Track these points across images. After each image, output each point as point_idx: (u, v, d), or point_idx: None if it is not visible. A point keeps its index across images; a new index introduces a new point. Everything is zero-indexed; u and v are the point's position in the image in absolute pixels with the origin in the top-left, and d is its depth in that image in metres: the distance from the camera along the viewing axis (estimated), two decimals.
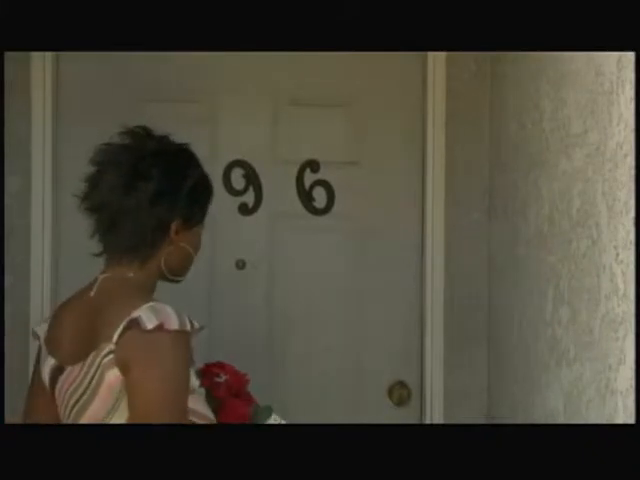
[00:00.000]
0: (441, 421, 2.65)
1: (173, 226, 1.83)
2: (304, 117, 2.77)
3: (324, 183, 2.77)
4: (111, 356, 1.69)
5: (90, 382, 1.74)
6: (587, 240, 1.68)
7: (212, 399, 1.92)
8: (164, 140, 1.90)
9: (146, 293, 1.81)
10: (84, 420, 1.77)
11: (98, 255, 1.91)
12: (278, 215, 2.78)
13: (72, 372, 1.77)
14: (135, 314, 1.68)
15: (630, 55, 1.48)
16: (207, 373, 1.95)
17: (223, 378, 2.00)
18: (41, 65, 2.63)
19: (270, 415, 2.03)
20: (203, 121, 2.74)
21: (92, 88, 2.80)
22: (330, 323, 2.79)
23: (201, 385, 1.84)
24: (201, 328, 1.74)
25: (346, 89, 2.79)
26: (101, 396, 1.73)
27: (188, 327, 1.71)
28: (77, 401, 1.78)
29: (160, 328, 1.66)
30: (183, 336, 1.70)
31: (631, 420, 1.43)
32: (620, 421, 1.49)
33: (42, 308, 2.62)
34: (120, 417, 1.74)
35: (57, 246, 2.68)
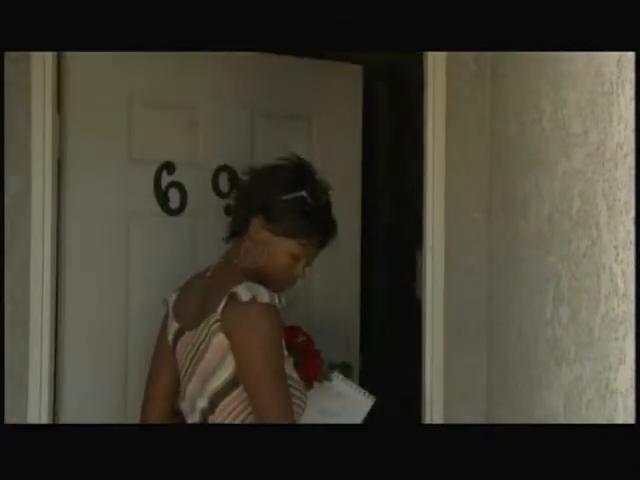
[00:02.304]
0: (441, 421, 2.65)
1: (254, 223, 2.21)
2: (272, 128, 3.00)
3: None
4: (217, 324, 2.10)
5: (201, 345, 2.14)
6: (587, 240, 1.68)
7: (293, 355, 2.25)
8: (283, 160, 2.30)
9: (244, 276, 2.16)
10: (198, 373, 2.16)
11: (227, 242, 2.33)
12: None
13: (189, 336, 2.19)
14: (233, 290, 2.09)
15: (630, 55, 1.48)
16: (286, 335, 2.22)
17: (301, 339, 2.37)
18: (41, 65, 2.62)
19: (335, 370, 2.42)
20: (195, 125, 2.88)
21: (92, 88, 2.81)
22: None
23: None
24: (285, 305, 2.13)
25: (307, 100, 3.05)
26: (208, 357, 2.13)
27: (276, 301, 2.10)
28: (192, 359, 2.18)
29: (254, 300, 2.07)
30: (272, 308, 2.09)
31: (631, 420, 1.43)
32: (620, 421, 1.49)
33: (42, 308, 2.62)
34: (225, 371, 2.11)
35: (57, 246, 2.68)
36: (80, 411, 2.74)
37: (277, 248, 2.22)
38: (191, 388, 2.21)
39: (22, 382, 2.60)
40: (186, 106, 2.90)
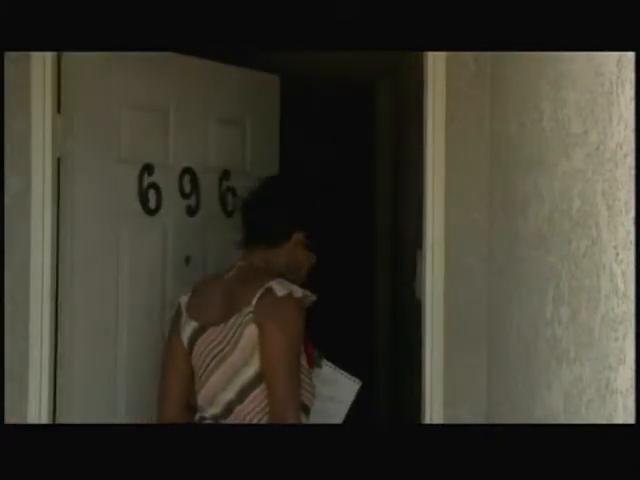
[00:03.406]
0: (441, 421, 2.65)
1: (295, 238, 2.47)
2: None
3: (232, 189, 3.21)
4: (250, 315, 2.27)
5: (232, 337, 2.29)
6: (587, 240, 1.68)
7: None
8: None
9: (272, 275, 2.37)
10: (223, 367, 2.31)
11: (238, 247, 2.50)
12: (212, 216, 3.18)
13: (213, 332, 2.33)
14: (268, 285, 2.29)
15: (630, 55, 1.48)
16: None
17: None
18: (41, 65, 2.63)
19: (322, 358, 2.55)
20: (166, 128, 3.04)
21: (92, 88, 2.81)
22: None
23: None
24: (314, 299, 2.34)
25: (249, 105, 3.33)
26: (240, 348, 2.28)
27: (309, 296, 2.33)
28: (217, 354, 2.32)
29: (290, 295, 2.29)
30: (302, 302, 2.31)
31: (631, 420, 1.43)
32: (620, 421, 1.49)
33: (42, 308, 2.63)
34: (253, 366, 2.28)
35: (57, 246, 2.68)
36: (80, 411, 2.74)
37: (305, 259, 2.51)
38: (214, 381, 2.33)
39: (22, 382, 2.60)
40: (160, 110, 3.01)
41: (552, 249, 1.93)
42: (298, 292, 2.31)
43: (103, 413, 2.82)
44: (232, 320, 2.30)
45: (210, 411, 2.35)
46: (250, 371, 2.29)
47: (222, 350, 2.31)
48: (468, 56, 2.66)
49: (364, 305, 5.28)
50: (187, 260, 3.09)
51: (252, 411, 2.30)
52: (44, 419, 2.60)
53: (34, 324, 2.62)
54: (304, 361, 2.37)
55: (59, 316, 2.69)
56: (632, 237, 1.44)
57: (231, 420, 2.31)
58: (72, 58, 2.70)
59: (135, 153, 2.94)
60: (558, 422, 1.84)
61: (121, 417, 2.86)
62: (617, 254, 1.51)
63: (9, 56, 2.35)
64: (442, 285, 2.68)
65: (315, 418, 2.42)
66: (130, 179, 2.92)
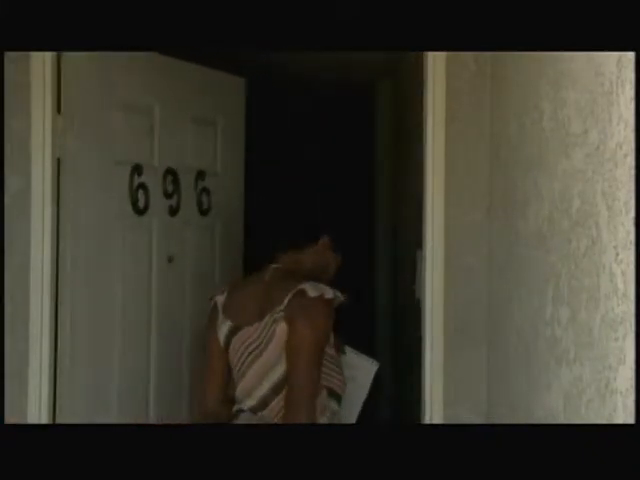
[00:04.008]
0: (441, 421, 2.65)
1: (322, 241, 2.62)
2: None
3: (206, 189, 3.32)
4: (281, 313, 2.43)
5: (265, 335, 2.45)
6: (587, 240, 1.68)
7: None
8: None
9: (305, 277, 2.52)
10: (259, 363, 2.46)
11: (273, 254, 2.63)
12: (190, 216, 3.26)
13: (248, 331, 2.49)
14: (301, 287, 2.44)
15: (630, 55, 1.48)
16: None
17: None
18: (41, 65, 2.63)
19: (344, 345, 2.67)
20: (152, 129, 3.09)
21: (92, 88, 2.82)
22: None
23: None
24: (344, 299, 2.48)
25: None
26: (273, 346, 2.44)
27: (338, 297, 2.47)
28: (252, 351, 2.48)
29: (321, 297, 2.43)
30: (332, 303, 2.46)
31: (631, 420, 1.43)
32: (620, 421, 1.49)
33: (42, 308, 2.63)
34: (284, 364, 2.42)
35: (57, 246, 2.68)
36: (80, 411, 2.75)
37: (332, 260, 2.65)
38: (250, 376, 2.49)
39: (22, 382, 2.60)
40: (147, 110, 3.05)
41: (552, 249, 1.93)
42: (329, 293, 2.45)
43: (103, 413, 2.82)
44: (265, 319, 2.46)
45: (248, 403, 2.49)
46: (282, 368, 2.44)
47: (257, 347, 2.47)
48: (468, 56, 2.66)
49: (364, 305, 5.29)
50: (170, 259, 3.14)
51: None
52: (44, 419, 2.60)
53: (34, 324, 2.62)
54: (333, 351, 2.51)
55: (59, 316, 2.69)
56: (632, 237, 1.44)
57: (266, 413, 2.46)
58: (72, 58, 2.70)
59: (128, 153, 2.97)
60: (558, 422, 1.84)
61: (121, 417, 2.86)
62: (617, 254, 1.51)
63: (9, 56, 2.35)
64: (442, 285, 2.68)
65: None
66: (124, 179, 2.95)
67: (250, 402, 2.48)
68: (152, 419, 3.00)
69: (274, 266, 2.58)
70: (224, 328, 2.54)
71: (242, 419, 2.49)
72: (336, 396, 2.50)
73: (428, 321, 2.70)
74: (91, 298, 2.83)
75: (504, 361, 2.42)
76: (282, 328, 2.42)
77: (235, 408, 2.53)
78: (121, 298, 2.93)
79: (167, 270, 3.13)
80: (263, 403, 2.47)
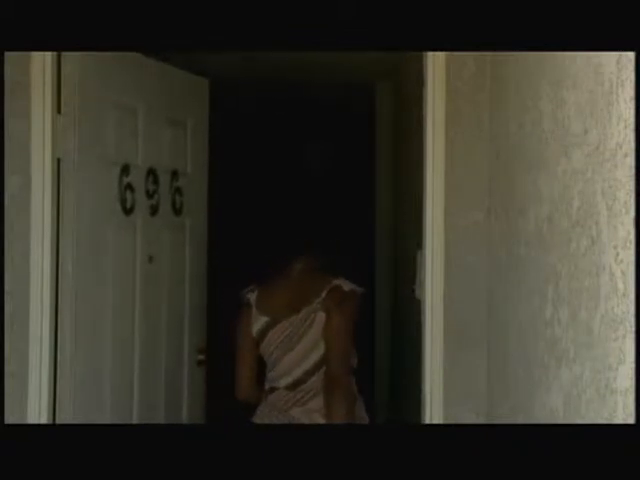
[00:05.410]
0: (441, 421, 2.65)
1: None
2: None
3: (179, 189, 3.35)
4: (320, 304, 2.90)
5: (304, 324, 2.92)
6: (587, 240, 1.68)
7: None
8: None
9: (325, 274, 3.00)
10: (298, 348, 2.94)
11: (296, 256, 3.08)
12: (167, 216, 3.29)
13: (285, 323, 2.96)
14: (335, 282, 2.96)
15: (630, 55, 1.47)
16: None
17: None
18: (41, 65, 2.63)
19: None
20: (136, 129, 3.11)
21: (91, 89, 2.82)
22: None
23: None
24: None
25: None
26: (312, 332, 2.91)
27: (363, 291, 2.98)
28: (291, 339, 2.94)
29: (353, 290, 2.96)
30: (360, 297, 2.97)
31: (631, 420, 1.43)
32: (620, 421, 1.49)
33: (42, 308, 2.62)
34: (322, 349, 2.90)
35: (57, 246, 2.68)
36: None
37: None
38: (288, 359, 2.94)
39: (22, 382, 2.60)
40: (133, 110, 3.07)
41: (552, 249, 1.93)
42: (359, 289, 2.97)
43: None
44: (303, 311, 2.92)
45: (284, 382, 2.95)
46: (320, 352, 2.90)
47: (296, 335, 2.93)
48: (468, 56, 2.66)
49: (364, 305, 5.28)
50: (150, 259, 3.16)
51: (322, 383, 2.89)
52: (44, 419, 2.60)
53: (34, 324, 2.62)
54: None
55: (59, 316, 2.69)
56: (632, 237, 1.44)
57: (306, 387, 2.90)
58: (72, 58, 2.70)
59: (119, 153, 3.00)
60: (558, 422, 1.84)
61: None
62: (617, 254, 1.51)
63: (9, 56, 2.35)
64: (442, 285, 2.68)
65: None
66: (116, 179, 2.97)
67: (287, 380, 2.94)
68: (136, 416, 2.97)
69: (298, 266, 3.04)
70: (259, 323, 2.98)
71: (276, 395, 2.95)
72: (354, 371, 2.96)
73: (428, 321, 2.70)
74: (90, 298, 2.83)
75: (504, 361, 2.42)
76: (321, 317, 2.90)
77: (268, 386, 2.98)
78: (111, 298, 2.95)
79: (148, 270, 3.15)
80: (301, 381, 2.92)
